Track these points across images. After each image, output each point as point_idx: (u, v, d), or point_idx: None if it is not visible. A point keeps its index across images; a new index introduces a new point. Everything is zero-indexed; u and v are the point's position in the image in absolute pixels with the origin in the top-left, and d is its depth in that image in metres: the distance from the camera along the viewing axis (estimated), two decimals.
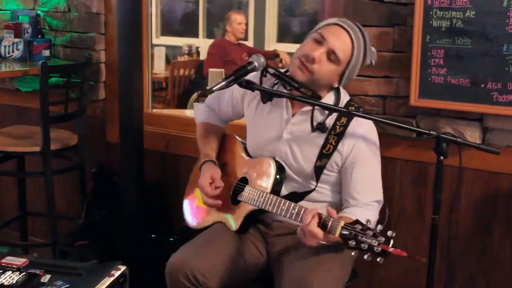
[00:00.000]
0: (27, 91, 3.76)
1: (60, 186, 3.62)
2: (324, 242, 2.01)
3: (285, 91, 2.31)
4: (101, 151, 3.65)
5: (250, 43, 7.79)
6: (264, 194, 2.28)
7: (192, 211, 2.62)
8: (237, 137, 2.60)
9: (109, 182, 3.46)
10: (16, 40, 3.57)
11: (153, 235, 3.21)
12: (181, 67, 7.17)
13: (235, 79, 2.17)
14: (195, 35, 8.90)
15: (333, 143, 2.27)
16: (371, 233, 1.85)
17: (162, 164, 3.46)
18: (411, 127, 2.27)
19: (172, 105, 6.70)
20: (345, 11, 2.82)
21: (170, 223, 3.26)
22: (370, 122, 2.31)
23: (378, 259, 1.84)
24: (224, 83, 2.15)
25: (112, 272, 2.39)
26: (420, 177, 2.80)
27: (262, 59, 2.21)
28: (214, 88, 2.13)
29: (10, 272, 2.26)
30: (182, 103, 6.60)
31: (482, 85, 2.51)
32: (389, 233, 1.85)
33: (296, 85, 2.23)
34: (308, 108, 2.30)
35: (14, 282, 2.18)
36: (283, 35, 8.25)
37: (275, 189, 2.31)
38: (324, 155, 2.28)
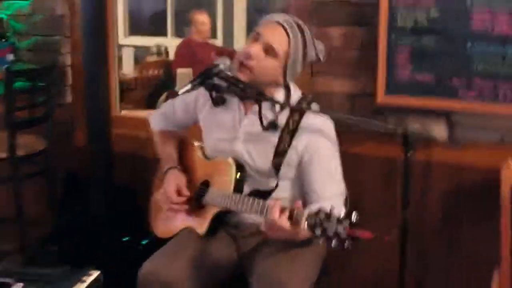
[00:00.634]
0: None
1: (29, 191, 3.57)
2: (290, 234, 2.00)
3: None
4: (70, 155, 3.60)
5: (219, 41, 7.77)
6: (227, 194, 2.28)
7: (159, 220, 2.62)
8: (195, 141, 2.60)
9: (78, 186, 3.43)
10: None
11: (125, 238, 3.18)
12: (149, 67, 7.12)
13: (201, 82, 2.16)
14: (164, 34, 8.84)
15: (287, 140, 2.28)
16: (335, 219, 1.84)
17: (131, 166, 3.43)
18: (377, 124, 2.29)
19: (142, 105, 6.65)
20: (311, 10, 2.83)
21: (143, 226, 3.23)
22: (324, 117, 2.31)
23: (345, 245, 1.83)
24: (190, 85, 2.14)
25: (84, 278, 2.36)
26: (389, 173, 2.81)
27: (228, 61, 2.20)
28: (180, 92, 2.12)
29: None
30: (152, 104, 6.55)
31: (447, 81, 2.54)
32: (353, 217, 1.84)
33: (241, 86, 2.22)
34: (257, 107, 2.30)
35: None
36: None
37: (237, 188, 2.31)
38: (280, 153, 2.28)
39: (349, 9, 2.74)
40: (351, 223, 1.82)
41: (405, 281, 2.20)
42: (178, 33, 8.74)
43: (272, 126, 2.28)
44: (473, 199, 2.69)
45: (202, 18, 6.47)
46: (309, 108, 2.27)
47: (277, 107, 2.28)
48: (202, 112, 2.49)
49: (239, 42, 8.05)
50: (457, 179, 2.70)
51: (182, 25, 8.59)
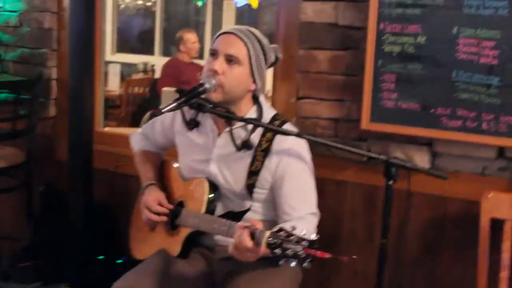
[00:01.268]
0: None
1: (6, 205, 3.53)
2: (257, 256, 1.98)
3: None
4: (50, 169, 3.57)
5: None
6: (198, 215, 2.27)
7: (136, 241, 2.60)
8: (174, 162, 2.59)
9: (57, 201, 3.39)
10: None
11: (100, 257, 3.14)
12: (135, 84, 7.12)
13: (185, 101, 2.15)
14: (151, 52, 8.85)
15: (261, 160, 2.27)
16: (295, 239, 1.82)
17: (112, 184, 3.40)
18: (359, 151, 2.27)
19: (126, 123, 6.64)
20: (299, 33, 2.84)
21: (119, 245, 3.20)
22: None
23: (304, 265, 1.81)
24: (175, 104, 2.12)
25: None
26: (370, 201, 2.81)
27: (214, 81, 2.19)
28: (163, 110, 2.10)
29: None
30: (136, 121, 6.53)
31: (432, 110, 2.55)
32: (313, 236, 1.82)
33: (210, 105, 2.22)
34: (229, 128, 2.30)
35: None
36: None
37: (209, 209, 2.30)
38: (253, 173, 2.28)
39: (336, 32, 2.75)
40: (311, 243, 1.80)
41: None
42: (165, 52, 8.76)
43: (245, 145, 2.28)
44: (453, 230, 2.69)
45: (191, 36, 6.50)
46: (281, 126, 2.27)
47: (250, 126, 2.28)
48: (178, 134, 2.48)
49: None
50: (438, 210, 2.70)
51: (170, 44, 8.61)
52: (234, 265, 2.28)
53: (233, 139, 2.27)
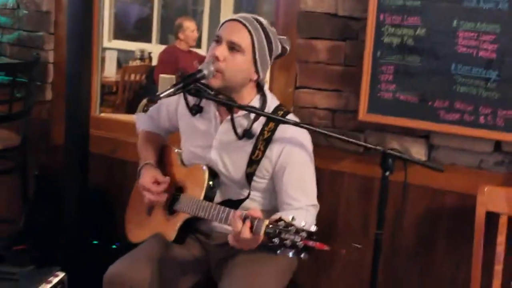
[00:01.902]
0: None
1: (1, 187, 3.52)
2: (255, 244, 1.98)
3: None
4: (45, 153, 3.56)
5: (203, 50, 7.77)
6: (197, 201, 2.27)
7: (132, 224, 2.59)
8: (175, 148, 2.58)
9: (52, 185, 3.38)
10: None
11: (95, 241, 3.14)
12: (132, 71, 7.10)
13: (183, 86, 2.14)
14: (148, 40, 8.83)
15: (262, 149, 2.27)
16: (294, 229, 1.82)
17: (107, 169, 3.40)
18: (355, 141, 2.27)
19: (122, 109, 6.62)
20: (298, 22, 2.83)
21: (113, 230, 3.20)
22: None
23: (302, 256, 1.82)
24: (172, 90, 2.12)
25: (50, 279, 2.34)
26: (366, 192, 2.81)
27: (212, 67, 2.19)
28: (161, 95, 2.09)
29: None
30: (132, 108, 6.52)
31: (430, 103, 2.55)
32: (312, 227, 1.83)
33: (212, 93, 2.21)
34: (231, 116, 2.29)
35: None
36: None
37: (208, 195, 2.30)
38: (254, 162, 2.28)
39: (335, 22, 2.74)
40: (309, 234, 1.80)
41: None
42: (162, 39, 8.74)
43: (246, 134, 2.27)
44: (448, 223, 2.69)
45: (190, 24, 6.49)
46: (284, 117, 2.27)
47: (252, 115, 2.27)
48: (181, 119, 2.48)
49: None
50: (433, 202, 2.70)
51: (167, 32, 8.59)
52: (230, 251, 2.28)
53: (234, 128, 2.27)
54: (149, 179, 2.39)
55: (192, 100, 2.35)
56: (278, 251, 1.84)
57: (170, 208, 2.41)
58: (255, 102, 2.32)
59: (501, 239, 2.40)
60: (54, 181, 3.38)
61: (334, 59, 2.76)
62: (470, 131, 2.51)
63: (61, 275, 2.37)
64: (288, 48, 2.36)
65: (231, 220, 2.05)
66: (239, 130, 2.27)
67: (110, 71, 7.14)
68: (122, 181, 3.27)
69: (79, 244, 3.06)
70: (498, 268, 2.39)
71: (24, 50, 3.55)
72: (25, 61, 3.46)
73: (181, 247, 2.39)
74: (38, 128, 3.51)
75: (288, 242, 1.81)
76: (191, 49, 6.54)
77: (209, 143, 2.36)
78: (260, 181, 2.32)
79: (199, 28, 7.70)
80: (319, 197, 2.34)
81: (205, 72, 2.18)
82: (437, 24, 2.50)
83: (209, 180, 2.32)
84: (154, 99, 2.17)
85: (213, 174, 2.34)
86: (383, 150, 2.11)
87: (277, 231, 1.84)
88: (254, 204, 2.31)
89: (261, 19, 2.29)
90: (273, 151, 2.26)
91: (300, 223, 1.83)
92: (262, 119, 2.28)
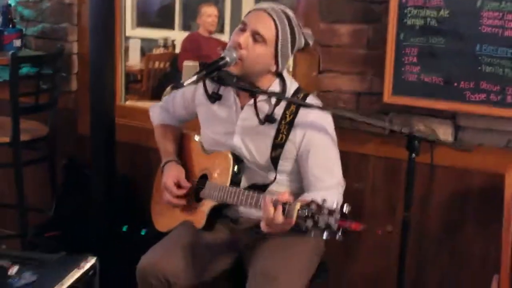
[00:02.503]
0: None
1: (31, 177, 3.57)
2: (288, 228, 1.98)
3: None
4: (72, 143, 3.61)
5: (226, 36, 7.75)
6: (224, 188, 2.28)
7: (159, 214, 2.62)
8: (195, 135, 2.59)
9: (80, 174, 3.42)
10: None
11: (124, 228, 3.18)
12: (156, 59, 7.12)
13: (206, 74, 2.15)
14: (171, 27, 8.83)
15: (285, 132, 2.27)
16: (327, 211, 1.82)
17: (133, 157, 3.42)
18: (382, 124, 2.28)
19: (147, 97, 6.66)
20: (319, 7, 2.82)
21: (142, 216, 3.23)
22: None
23: (337, 237, 1.82)
24: (195, 78, 2.13)
25: (81, 264, 2.36)
26: (392, 174, 2.80)
27: (235, 54, 2.19)
28: (185, 83, 2.10)
29: None
30: (157, 96, 6.55)
31: (455, 84, 2.53)
32: (345, 208, 1.83)
33: (233, 79, 2.21)
34: (252, 101, 2.29)
35: None
36: None
37: (234, 181, 2.31)
38: (278, 145, 2.28)
39: (358, 5, 2.72)
40: (342, 215, 1.80)
41: (403, 282, 2.19)
42: (185, 26, 8.73)
43: (268, 119, 2.28)
44: (476, 203, 2.68)
45: (210, 10, 6.46)
46: (304, 100, 2.27)
47: (273, 100, 2.27)
48: (200, 107, 2.48)
49: None
50: (461, 183, 2.69)
51: (190, 19, 8.58)
52: (257, 235, 2.30)
53: (256, 113, 2.27)
54: (171, 179, 2.41)
55: (210, 87, 2.36)
56: (312, 233, 1.84)
57: (196, 196, 2.43)
58: (275, 87, 2.32)
59: None
60: (82, 170, 3.42)
61: (357, 42, 2.75)
62: (497, 111, 2.49)
63: (92, 260, 2.39)
64: (311, 43, 2.34)
65: (261, 205, 2.06)
66: (261, 115, 2.28)
67: (134, 60, 7.18)
68: (148, 169, 3.29)
69: (109, 230, 3.09)
70: None
71: (48, 42, 3.58)
72: (49, 53, 3.49)
73: (210, 233, 2.40)
74: (65, 118, 3.54)
75: (322, 224, 1.81)
76: (213, 36, 6.51)
77: (231, 129, 2.37)
78: (285, 164, 2.32)
79: (222, 14, 7.67)
80: (345, 180, 2.34)
81: (228, 59, 2.18)
82: (461, 5, 2.47)
83: (234, 166, 2.32)
84: (178, 86, 2.19)
85: (238, 159, 2.34)
86: (409, 132, 2.11)
87: (310, 213, 1.84)
88: (280, 187, 2.31)
89: (289, 11, 2.27)
90: (296, 134, 2.26)
91: (332, 204, 1.83)
92: (283, 103, 2.28)
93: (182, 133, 2.66)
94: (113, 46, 3.18)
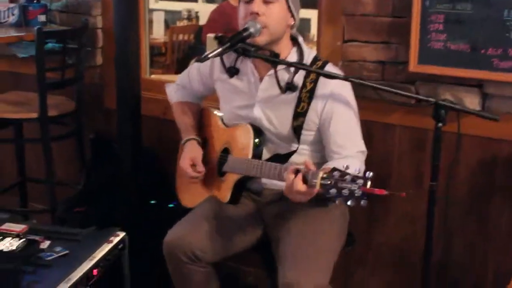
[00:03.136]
0: (24, 57, 3.71)
1: (59, 152, 3.61)
2: (310, 197, 1.99)
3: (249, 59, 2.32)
4: (99, 117, 3.64)
5: None
6: (246, 161, 2.29)
7: (183, 190, 2.63)
8: (214, 109, 2.59)
9: (107, 148, 3.45)
10: (12, 5, 3.54)
11: (152, 201, 3.21)
12: (180, 32, 7.10)
13: (230, 46, 2.15)
14: None
15: (306, 101, 2.26)
16: (349, 178, 1.82)
17: (159, 130, 3.44)
18: (407, 93, 2.26)
19: (172, 70, 6.65)
20: None
21: (169, 189, 3.25)
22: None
23: (362, 203, 1.82)
24: (220, 50, 2.13)
25: (111, 238, 2.40)
26: (419, 144, 2.78)
27: (259, 25, 2.18)
28: (209, 55, 2.11)
29: (10, 238, 2.27)
30: (182, 68, 6.51)
31: (482, 51, 2.49)
32: (367, 174, 1.82)
33: (252, 49, 2.20)
34: (273, 71, 2.28)
35: (14, 248, 2.19)
36: None
37: (256, 154, 2.32)
38: (300, 114, 2.28)
39: None
40: (365, 181, 1.80)
41: (431, 251, 2.19)
42: None
43: (289, 87, 2.27)
44: (504, 173, 2.66)
45: None
46: (323, 68, 2.28)
47: (292, 68, 2.26)
48: (218, 81, 2.48)
49: None
50: (488, 152, 2.66)
51: None
52: (282, 207, 2.31)
53: (278, 82, 2.27)
54: (187, 161, 2.43)
55: (227, 61, 2.35)
56: (336, 201, 1.85)
57: (219, 170, 2.44)
58: (293, 55, 2.32)
59: None
60: (110, 144, 3.44)
61: (382, 10, 2.71)
62: None
63: (121, 234, 2.43)
64: None
65: (285, 174, 2.06)
66: (281, 84, 2.27)
67: (158, 33, 7.17)
68: (173, 141, 3.31)
69: (137, 204, 3.13)
70: None
71: (73, 17, 3.59)
72: (74, 27, 3.50)
73: (235, 207, 2.41)
74: (91, 93, 3.57)
75: (346, 192, 1.81)
76: None
77: (251, 101, 2.37)
78: (308, 134, 2.32)
79: None
80: (371, 151, 2.33)
81: (252, 30, 2.18)
82: None
83: (255, 138, 2.33)
84: (202, 59, 2.19)
85: (258, 131, 2.35)
86: (435, 101, 2.09)
87: (333, 181, 1.84)
88: (303, 157, 2.30)
89: None
90: (318, 103, 2.27)
91: (355, 171, 1.83)
92: (302, 71, 2.27)
93: (202, 108, 2.66)
94: (137, 19, 3.18)
